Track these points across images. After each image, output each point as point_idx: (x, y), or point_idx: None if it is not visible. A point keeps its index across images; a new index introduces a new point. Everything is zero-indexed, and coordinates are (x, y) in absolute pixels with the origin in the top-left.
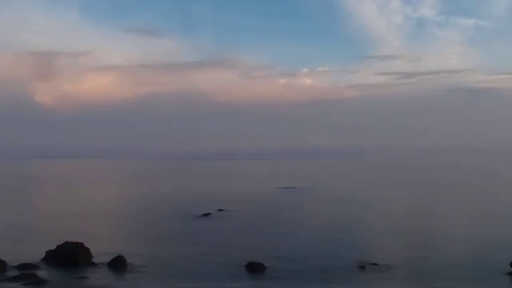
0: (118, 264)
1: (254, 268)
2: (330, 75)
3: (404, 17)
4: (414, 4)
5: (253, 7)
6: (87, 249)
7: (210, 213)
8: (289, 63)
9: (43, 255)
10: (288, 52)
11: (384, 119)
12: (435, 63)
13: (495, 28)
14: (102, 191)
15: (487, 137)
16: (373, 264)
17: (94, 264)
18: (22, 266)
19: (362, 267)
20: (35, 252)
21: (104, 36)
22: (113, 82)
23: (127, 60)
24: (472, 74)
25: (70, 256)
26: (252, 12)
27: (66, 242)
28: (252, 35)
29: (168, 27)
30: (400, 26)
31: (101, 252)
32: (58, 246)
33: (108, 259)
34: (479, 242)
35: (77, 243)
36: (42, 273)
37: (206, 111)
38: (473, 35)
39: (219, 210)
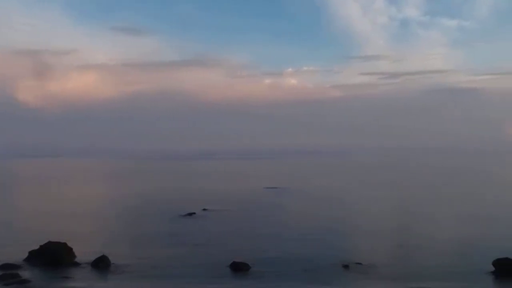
0: (101, 264)
1: (239, 268)
2: (315, 75)
3: (388, 18)
4: (398, 4)
5: (237, 7)
6: (70, 249)
7: (194, 213)
8: (274, 63)
9: (26, 255)
10: (273, 52)
11: (369, 119)
12: (419, 63)
13: (478, 29)
14: (86, 191)
15: (470, 137)
16: (357, 263)
17: (77, 264)
18: (5, 266)
19: (346, 267)
20: (18, 252)
21: (89, 35)
22: (97, 81)
23: (112, 59)
24: (455, 75)
25: (53, 256)
26: (237, 12)
27: (49, 242)
28: (237, 34)
29: (153, 26)
30: (384, 26)
31: (84, 252)
32: (41, 246)
33: (91, 259)
34: (462, 242)
35: (60, 243)
36: (25, 273)
37: (190, 110)
38: (457, 36)
39: (204, 209)
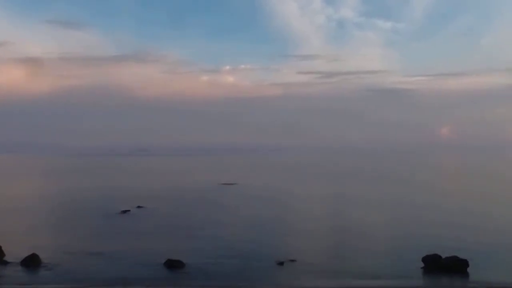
0: (31, 262)
1: (173, 265)
2: (253, 73)
3: (325, 18)
4: (335, 5)
5: (176, 2)
6: None
7: (129, 210)
8: (212, 60)
9: None
10: (211, 49)
11: (305, 118)
12: (355, 63)
13: (412, 31)
14: (18, 187)
15: (403, 138)
16: (292, 260)
17: (6, 263)
18: None
19: (281, 264)
20: None
21: (23, 27)
22: (32, 74)
23: (46, 52)
24: (390, 75)
25: None
26: (176, 7)
27: None
28: (175, 30)
29: (90, 20)
30: (322, 26)
31: (14, 250)
32: None
33: (21, 257)
34: (392, 240)
35: None
36: None
37: (127, 106)
38: (392, 37)
39: (138, 207)
